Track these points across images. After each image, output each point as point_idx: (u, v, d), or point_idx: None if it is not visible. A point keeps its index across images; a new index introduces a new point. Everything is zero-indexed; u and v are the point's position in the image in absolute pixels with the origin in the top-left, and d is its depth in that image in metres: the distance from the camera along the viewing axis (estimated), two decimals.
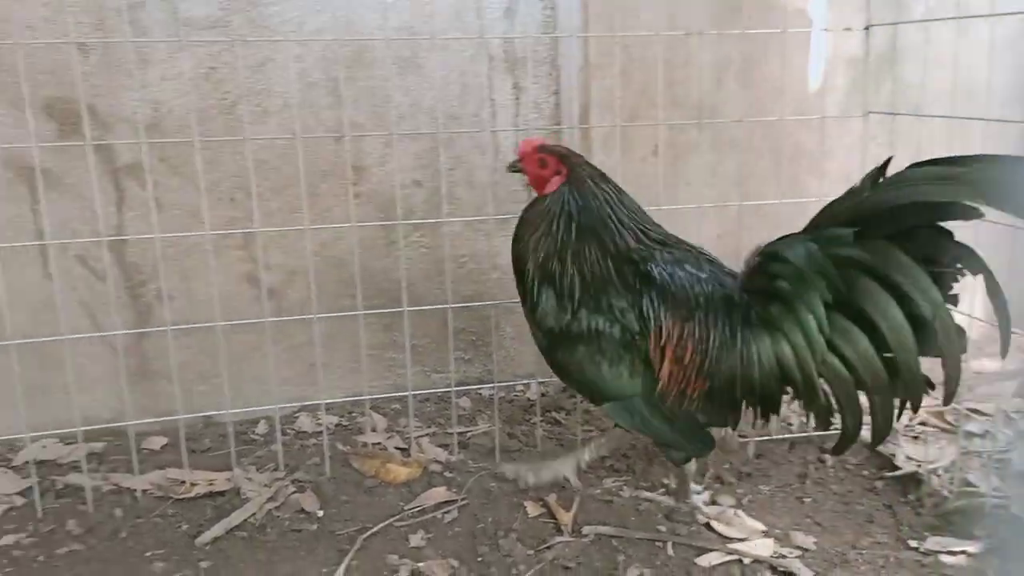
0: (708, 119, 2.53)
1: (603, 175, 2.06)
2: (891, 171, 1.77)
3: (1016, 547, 1.98)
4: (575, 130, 2.70)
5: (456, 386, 2.65)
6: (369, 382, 2.74)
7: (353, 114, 2.65)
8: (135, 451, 2.33)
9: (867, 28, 2.59)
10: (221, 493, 2.28)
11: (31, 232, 2.51)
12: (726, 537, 2.07)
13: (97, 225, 2.34)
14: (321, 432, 2.52)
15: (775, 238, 1.95)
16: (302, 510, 2.20)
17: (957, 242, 1.73)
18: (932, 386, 1.83)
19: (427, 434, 2.61)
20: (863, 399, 1.87)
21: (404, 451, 2.50)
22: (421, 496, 2.26)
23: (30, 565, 2.00)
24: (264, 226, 2.49)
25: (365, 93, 2.67)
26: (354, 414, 2.75)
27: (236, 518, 2.16)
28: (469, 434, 2.61)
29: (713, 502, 2.22)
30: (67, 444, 2.51)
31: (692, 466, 2.18)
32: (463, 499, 2.24)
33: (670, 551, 2.01)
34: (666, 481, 2.31)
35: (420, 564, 1.97)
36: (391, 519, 2.16)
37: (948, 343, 1.72)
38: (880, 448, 2.42)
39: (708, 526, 2.12)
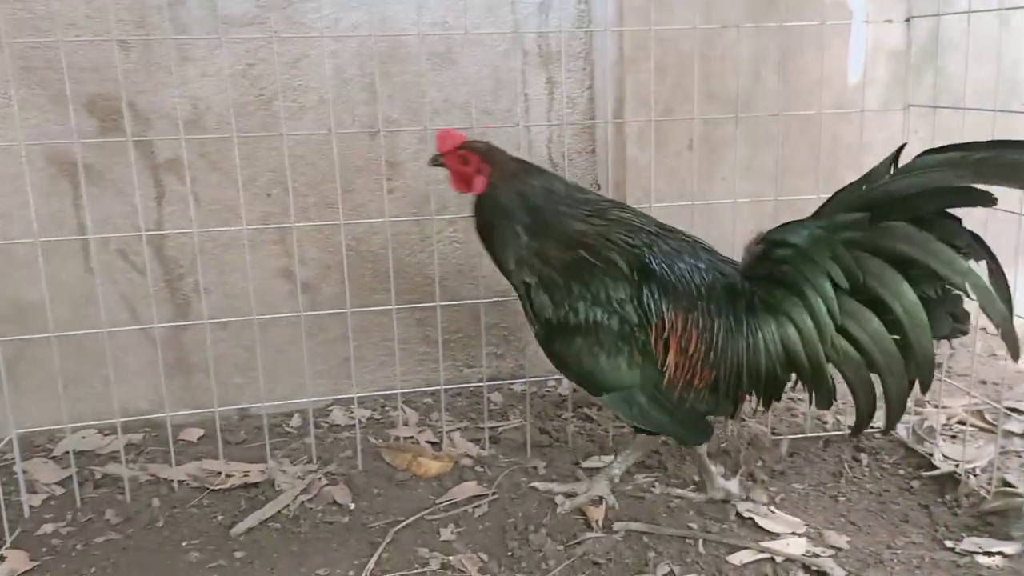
0: (744, 113, 2.50)
1: (527, 167, 2.05)
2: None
3: None
4: (609, 125, 2.69)
5: (488, 381, 2.65)
6: (402, 376, 2.75)
7: (387, 109, 2.67)
8: (172, 442, 2.38)
9: (908, 20, 2.54)
10: (255, 485, 2.32)
11: (73, 226, 2.56)
12: (758, 535, 2.04)
13: (137, 220, 2.38)
14: (354, 425, 2.54)
15: (777, 225, 1.96)
16: (334, 502, 2.23)
17: (965, 228, 1.75)
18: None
19: (458, 428, 2.62)
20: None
21: (435, 445, 2.51)
22: (452, 490, 2.27)
23: (68, 554, 2.04)
24: (299, 221, 2.52)
25: (400, 88, 2.68)
26: (386, 408, 2.78)
27: (270, 509, 2.18)
28: (500, 429, 2.62)
29: (747, 498, 2.20)
30: (106, 435, 2.56)
31: (704, 448, 2.16)
32: (494, 493, 2.24)
33: (701, 548, 2.00)
34: (697, 478, 2.29)
35: (450, 557, 1.98)
36: (422, 512, 2.17)
37: (989, 303, 1.71)
38: (917, 447, 2.39)
39: (741, 518, 2.10)
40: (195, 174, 2.57)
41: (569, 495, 2.21)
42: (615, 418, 2.54)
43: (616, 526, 2.08)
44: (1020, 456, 2.30)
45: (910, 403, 2.59)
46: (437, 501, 2.23)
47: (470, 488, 2.27)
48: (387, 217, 2.39)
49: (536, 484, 2.28)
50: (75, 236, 2.55)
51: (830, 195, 1.91)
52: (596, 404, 2.74)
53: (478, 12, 2.70)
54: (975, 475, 2.23)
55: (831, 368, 1.91)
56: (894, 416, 1.89)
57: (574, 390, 2.75)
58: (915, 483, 2.25)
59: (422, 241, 2.78)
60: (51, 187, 2.53)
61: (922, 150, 1.77)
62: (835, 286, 1.84)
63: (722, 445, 2.43)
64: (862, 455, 2.39)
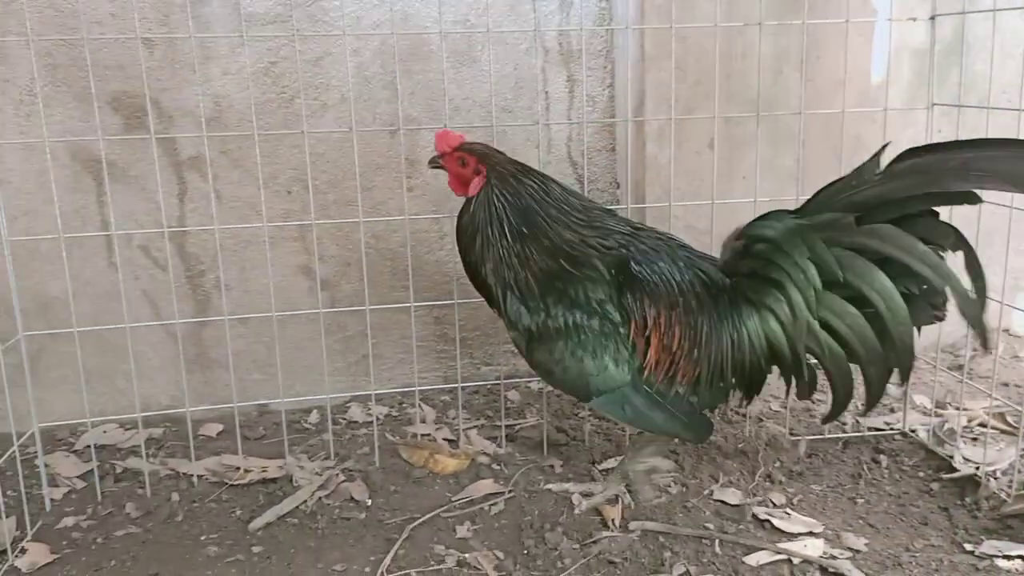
0: (766, 112, 2.48)
1: (525, 170, 2.03)
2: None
3: None
4: (629, 123, 2.68)
5: (505, 379, 2.66)
6: (419, 373, 2.76)
7: (408, 108, 2.68)
8: (192, 437, 2.39)
9: (933, 18, 2.51)
10: (274, 480, 2.33)
11: (97, 223, 2.59)
12: (775, 536, 2.03)
13: (160, 216, 2.41)
14: (371, 422, 2.55)
15: (755, 218, 1.96)
16: (352, 499, 2.24)
17: (943, 222, 1.78)
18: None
19: (475, 426, 2.62)
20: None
21: (452, 443, 2.52)
22: (468, 488, 2.27)
23: (89, 547, 2.06)
24: (319, 218, 2.53)
25: (420, 87, 2.69)
26: (404, 405, 2.79)
27: (288, 505, 2.20)
28: (517, 427, 2.62)
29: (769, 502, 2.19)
30: (127, 429, 2.59)
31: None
32: (510, 491, 2.25)
33: (717, 549, 1.99)
34: (718, 479, 2.29)
35: (466, 555, 1.99)
36: (438, 510, 2.18)
37: (968, 306, 1.75)
38: (938, 449, 2.37)
39: (758, 520, 2.09)
40: (217, 171, 2.59)
41: (586, 494, 2.21)
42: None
43: (632, 525, 2.08)
44: None
45: (931, 405, 2.59)
46: (454, 499, 2.23)
47: (487, 486, 2.27)
48: (406, 215, 2.40)
49: (551, 486, 2.27)
50: (98, 232, 2.58)
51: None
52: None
53: (500, 10, 2.70)
54: (995, 478, 2.20)
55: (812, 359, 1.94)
56: (873, 402, 1.93)
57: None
58: (935, 485, 2.23)
59: (441, 239, 2.79)
60: (75, 184, 2.56)
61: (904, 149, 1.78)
62: (812, 282, 1.85)
63: (740, 446, 2.42)
64: (881, 457, 2.37)
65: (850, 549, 1.97)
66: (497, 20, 2.69)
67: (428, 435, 2.56)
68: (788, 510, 2.13)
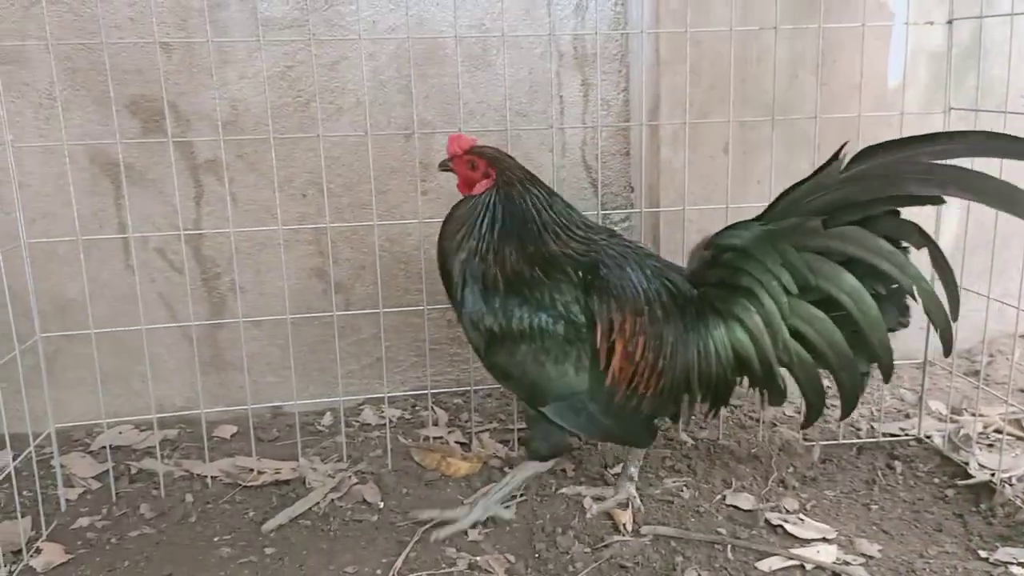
0: (781, 116, 2.47)
1: (533, 178, 2.03)
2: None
3: None
4: (644, 127, 2.68)
5: None
6: (432, 376, 2.77)
7: (423, 111, 2.69)
8: (206, 439, 2.41)
9: (950, 22, 2.50)
10: (287, 482, 2.34)
11: (114, 225, 2.61)
12: (787, 542, 2.02)
13: (176, 219, 2.43)
14: (384, 425, 2.56)
15: (723, 227, 1.97)
16: (364, 501, 2.24)
17: (905, 220, 1.80)
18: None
19: (488, 429, 2.62)
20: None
21: (465, 446, 2.52)
22: (481, 491, 2.27)
23: (103, 547, 2.08)
24: (334, 222, 2.54)
25: (435, 90, 2.70)
26: (417, 408, 2.79)
27: (300, 507, 2.20)
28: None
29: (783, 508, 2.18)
30: (142, 431, 2.61)
31: (548, 466, 2.12)
32: (522, 495, 2.24)
33: (729, 554, 1.98)
34: (731, 484, 2.28)
35: (477, 558, 1.99)
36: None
37: (934, 309, 1.79)
38: (953, 455, 2.35)
39: (770, 525, 2.08)
40: (233, 175, 2.61)
41: (597, 498, 2.20)
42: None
43: (644, 530, 2.07)
44: None
45: (946, 411, 2.57)
46: (466, 501, 2.23)
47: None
48: (420, 218, 2.41)
49: (564, 490, 2.27)
50: (116, 235, 2.60)
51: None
52: None
53: (515, 14, 2.70)
54: (1011, 484, 2.18)
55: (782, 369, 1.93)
56: (848, 408, 1.93)
57: None
58: (950, 492, 2.21)
59: None
60: (93, 186, 2.58)
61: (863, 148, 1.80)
62: (786, 288, 1.85)
63: (753, 451, 2.41)
64: (896, 463, 2.35)
65: (863, 555, 1.96)
66: (512, 24, 2.69)
67: (440, 438, 2.56)
68: (801, 516, 2.12)
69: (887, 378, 1.90)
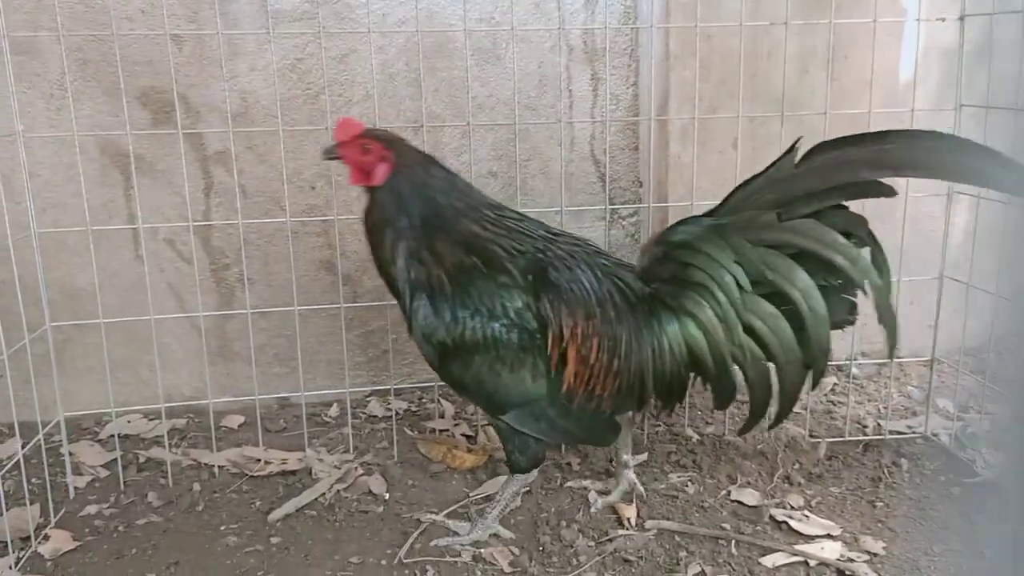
0: (791, 111, 2.47)
1: (431, 159, 1.95)
2: None
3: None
4: (652, 122, 2.67)
5: None
6: None
7: (432, 104, 2.69)
8: (214, 429, 2.42)
9: (962, 18, 2.48)
10: (293, 472, 2.35)
11: (124, 216, 2.63)
12: (792, 538, 2.02)
13: (185, 210, 2.44)
14: (391, 417, 2.57)
15: (673, 223, 1.95)
16: (369, 492, 2.25)
17: (855, 213, 1.79)
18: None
19: None
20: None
21: (470, 438, 2.53)
22: (486, 483, 2.28)
23: (111, 534, 2.10)
24: (342, 214, 2.54)
25: (444, 84, 2.70)
26: (423, 400, 2.80)
27: (306, 497, 2.22)
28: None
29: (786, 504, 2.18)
30: (151, 420, 2.63)
31: (532, 477, 2.07)
32: (527, 488, 2.25)
33: (733, 549, 1.98)
34: (736, 480, 2.28)
35: (481, 550, 1.99)
36: (455, 504, 2.19)
37: (884, 304, 1.78)
38: (959, 454, 2.34)
39: (775, 521, 2.08)
40: (242, 166, 2.62)
41: (602, 492, 2.20)
42: (651, 416, 2.53)
43: (648, 524, 2.07)
44: None
45: (953, 409, 2.56)
46: (471, 494, 2.24)
47: (504, 482, 2.28)
48: None
49: (571, 483, 2.27)
50: (125, 225, 2.62)
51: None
52: None
53: (524, 8, 2.70)
54: None
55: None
56: (786, 409, 1.91)
57: None
58: (955, 490, 2.21)
59: None
60: (103, 177, 2.59)
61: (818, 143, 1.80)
62: (738, 283, 1.83)
63: (758, 447, 2.41)
64: (902, 460, 2.35)
65: (868, 552, 1.96)
66: (522, 18, 2.69)
67: (446, 430, 2.57)
68: (806, 512, 2.12)
69: (815, 384, 1.88)
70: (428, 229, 1.88)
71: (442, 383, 2.07)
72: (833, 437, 2.45)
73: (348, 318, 2.46)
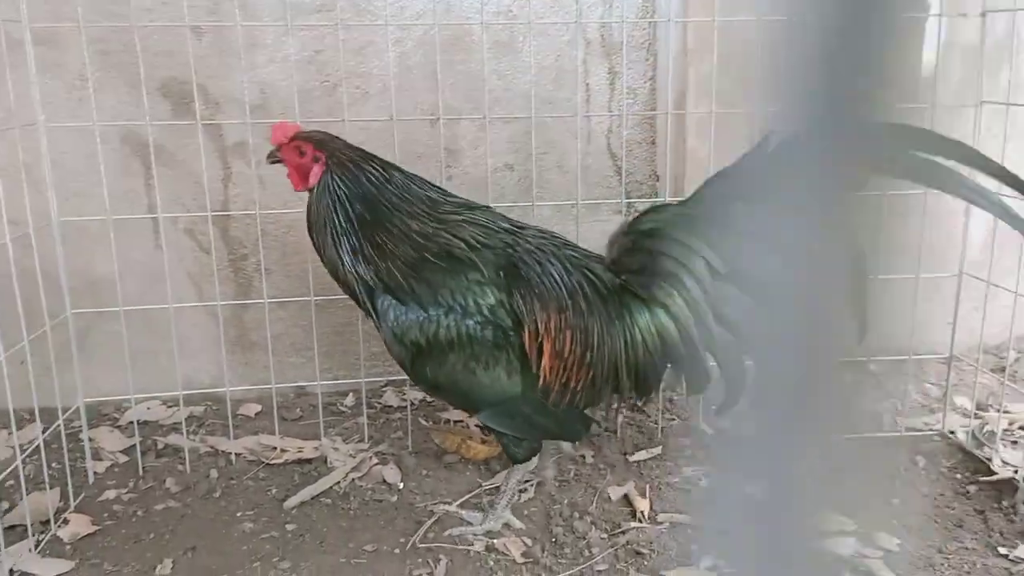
0: None
1: (365, 156, 1.93)
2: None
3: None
4: (669, 116, 2.67)
5: None
6: None
7: (449, 97, 2.70)
8: (231, 416, 2.45)
9: (983, 14, 2.47)
10: (309, 461, 2.38)
11: (144, 205, 2.65)
12: None
13: (204, 200, 2.46)
14: (406, 407, 2.58)
15: (641, 212, 1.93)
16: (384, 481, 2.27)
17: None
18: None
19: None
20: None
21: (485, 430, 2.53)
22: (499, 474, 2.29)
23: (129, 519, 2.13)
24: None
25: (462, 77, 2.71)
26: None
27: (322, 485, 2.24)
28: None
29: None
30: (169, 407, 2.65)
31: (532, 464, 2.08)
32: (540, 480, 2.26)
33: None
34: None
35: (494, 540, 2.01)
36: (469, 495, 2.20)
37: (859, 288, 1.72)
38: (976, 451, 2.33)
39: None
40: (261, 157, 2.62)
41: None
42: (665, 410, 2.53)
43: (661, 517, 2.08)
44: None
45: (971, 407, 2.55)
46: (484, 484, 2.25)
47: (506, 473, 2.29)
48: None
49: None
50: (146, 215, 2.64)
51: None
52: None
53: (542, 1, 2.70)
54: None
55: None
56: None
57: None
58: (972, 488, 2.20)
59: None
60: (124, 167, 2.62)
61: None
62: (710, 270, 1.81)
63: None
64: (919, 457, 2.34)
65: (882, 549, 1.95)
66: (539, 11, 2.69)
67: (461, 421, 2.58)
68: None
69: None
70: (366, 225, 1.88)
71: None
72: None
73: None
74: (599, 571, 1.92)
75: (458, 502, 2.17)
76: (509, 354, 1.87)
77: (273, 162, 2.00)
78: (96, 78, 2.52)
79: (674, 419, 2.55)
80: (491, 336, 1.86)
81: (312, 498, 2.20)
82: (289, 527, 2.08)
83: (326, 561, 1.94)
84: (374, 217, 1.88)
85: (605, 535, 2.03)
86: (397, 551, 1.98)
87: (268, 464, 2.37)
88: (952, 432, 2.45)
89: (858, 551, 1.94)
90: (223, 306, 2.49)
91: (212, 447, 2.45)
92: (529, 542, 2.00)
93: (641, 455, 2.38)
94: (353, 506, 2.16)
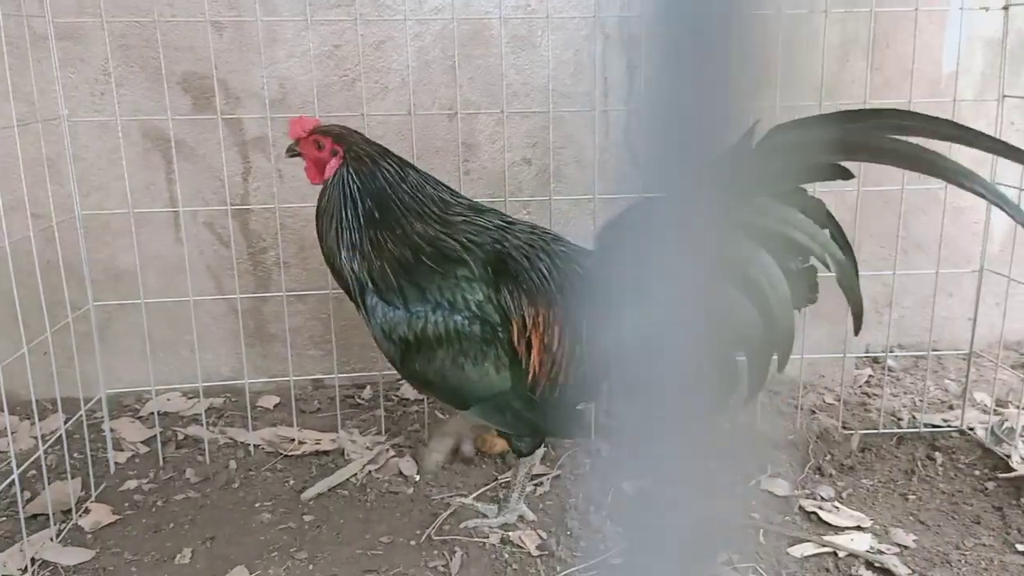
0: (830, 101, 2.44)
1: (383, 152, 1.94)
2: None
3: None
4: None
5: None
6: None
7: (467, 92, 2.70)
8: (250, 408, 2.47)
9: (1006, 7, 2.44)
10: (326, 452, 2.39)
11: (165, 199, 2.68)
12: (821, 529, 2.02)
13: (224, 194, 2.48)
14: (422, 400, 2.59)
15: (627, 207, 1.88)
16: (400, 473, 2.28)
17: (812, 196, 1.73)
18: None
19: None
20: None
21: None
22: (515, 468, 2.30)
23: (149, 509, 2.15)
24: None
25: (480, 71, 2.71)
26: None
27: (339, 477, 2.25)
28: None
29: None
30: (189, 398, 2.68)
31: (538, 456, 2.09)
32: (556, 473, 2.27)
33: (762, 539, 1.98)
34: (766, 469, 2.27)
35: (510, 533, 2.02)
36: (484, 488, 2.21)
37: (847, 281, 1.70)
38: (995, 448, 2.31)
39: (804, 512, 2.07)
40: (280, 151, 2.64)
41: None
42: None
43: None
44: None
45: (991, 403, 2.53)
46: (500, 477, 2.26)
47: (514, 467, 2.30)
48: None
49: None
50: (166, 208, 2.67)
51: None
52: None
53: None
54: None
55: None
56: (756, 391, 1.82)
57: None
58: (990, 484, 2.18)
59: None
60: (145, 161, 2.65)
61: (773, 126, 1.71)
62: None
63: (790, 437, 2.40)
64: (937, 453, 2.33)
65: (898, 545, 1.95)
66: (557, 5, 2.69)
67: None
68: (837, 503, 2.11)
69: (782, 366, 1.79)
70: (371, 222, 1.89)
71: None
72: (867, 429, 2.43)
73: None
74: (614, 565, 1.92)
75: (474, 495, 2.18)
76: (497, 349, 1.87)
77: (291, 156, 2.01)
78: (118, 73, 2.55)
79: None
80: (479, 331, 1.86)
81: (329, 490, 2.21)
82: (306, 518, 2.10)
83: (343, 552, 1.96)
84: (382, 215, 1.89)
85: (621, 528, 2.03)
86: (413, 543, 1.99)
87: (286, 456, 2.39)
88: (971, 428, 2.43)
89: (874, 547, 1.94)
90: (242, 299, 2.51)
91: (231, 438, 2.47)
92: (544, 535, 2.01)
93: None
94: (370, 498, 2.18)
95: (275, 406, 2.69)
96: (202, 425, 2.47)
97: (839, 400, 2.53)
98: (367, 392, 2.77)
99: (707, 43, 0.50)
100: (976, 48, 2.75)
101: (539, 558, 1.94)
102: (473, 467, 2.33)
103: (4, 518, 2.07)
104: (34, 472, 2.19)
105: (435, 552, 1.96)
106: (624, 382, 1.87)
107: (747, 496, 2.16)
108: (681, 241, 0.57)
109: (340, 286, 2.00)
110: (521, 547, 1.97)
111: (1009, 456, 2.25)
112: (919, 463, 2.29)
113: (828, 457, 2.32)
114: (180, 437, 2.48)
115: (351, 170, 1.91)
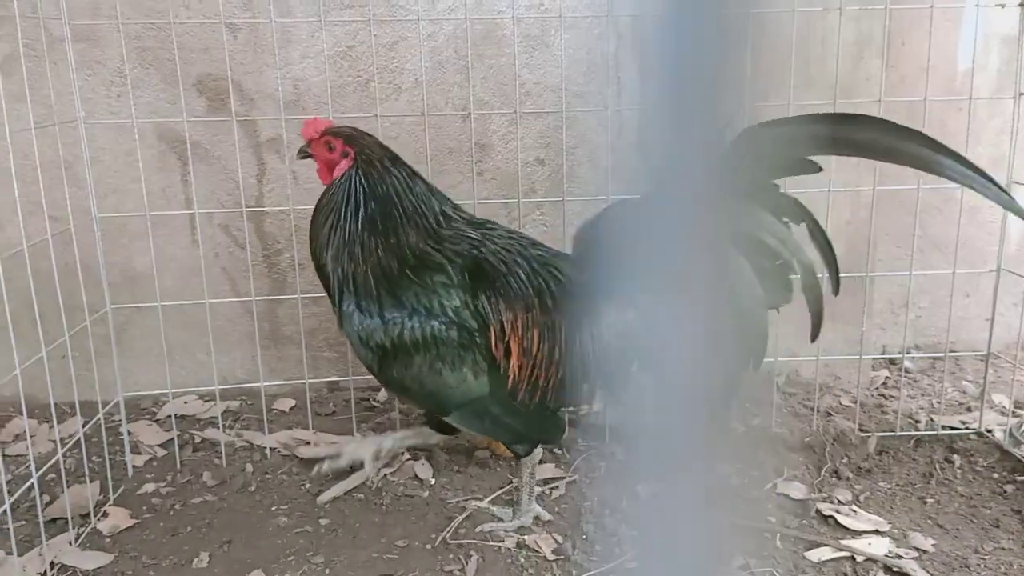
0: (845, 99, 2.43)
1: (395, 157, 1.94)
2: None
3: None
4: None
5: None
6: None
7: (480, 92, 2.70)
8: (266, 411, 2.47)
9: (1022, 4, 2.42)
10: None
11: (180, 201, 2.69)
12: (838, 533, 2.01)
13: (240, 196, 2.49)
14: None
15: (604, 208, 1.91)
16: (416, 477, 2.29)
17: (784, 194, 1.76)
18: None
19: None
20: None
21: None
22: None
23: (167, 512, 2.16)
24: None
25: (493, 71, 2.71)
26: None
27: (354, 480, 2.26)
28: (581, 413, 2.63)
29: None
30: (206, 401, 2.69)
31: (537, 456, 2.09)
32: (571, 476, 2.27)
33: (778, 543, 1.98)
34: (783, 473, 2.26)
35: (525, 537, 2.01)
36: (500, 491, 2.21)
37: (810, 286, 1.75)
38: (1014, 450, 2.30)
39: (821, 516, 2.06)
40: (294, 153, 2.65)
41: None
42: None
43: None
44: None
45: (1009, 405, 2.51)
46: (514, 480, 2.26)
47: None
48: (475, 199, 2.43)
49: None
50: (182, 211, 2.68)
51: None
52: None
53: None
54: None
55: None
56: (728, 397, 1.82)
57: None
58: (1009, 487, 2.17)
59: (510, 223, 2.79)
60: (161, 163, 2.65)
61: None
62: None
63: (806, 440, 2.39)
64: (955, 456, 2.31)
65: (917, 549, 1.94)
66: (571, 5, 2.68)
67: None
68: (854, 507, 2.10)
69: (756, 367, 1.80)
70: (369, 226, 1.89)
71: None
72: (884, 431, 2.42)
73: None
74: (629, 569, 1.91)
75: (489, 498, 2.18)
76: (475, 354, 1.87)
77: (303, 157, 2.02)
78: (134, 75, 2.55)
79: None
80: (456, 337, 1.86)
81: (345, 493, 2.22)
82: (323, 522, 2.10)
83: (358, 556, 1.97)
84: (383, 221, 1.90)
85: (636, 532, 2.02)
86: (429, 546, 1.99)
87: (302, 459, 2.39)
88: (989, 430, 2.42)
89: (892, 551, 1.93)
90: (257, 301, 2.52)
91: (247, 441, 2.48)
92: (560, 539, 2.01)
93: None
94: (385, 501, 2.18)
95: (290, 409, 2.70)
96: (219, 428, 2.48)
97: (855, 402, 2.51)
98: (382, 394, 2.77)
99: (720, 41, 0.50)
100: (992, 45, 2.73)
101: (555, 562, 1.94)
102: (487, 470, 2.33)
103: (24, 521, 2.08)
104: (53, 475, 2.20)
105: (451, 556, 1.96)
106: (609, 383, 1.89)
107: (763, 500, 2.15)
108: (687, 240, 0.57)
109: (322, 284, 2.00)
110: (537, 551, 1.97)
111: None
112: (937, 466, 2.28)
113: (845, 460, 2.31)
114: (197, 440, 2.49)
115: (360, 172, 1.92)
